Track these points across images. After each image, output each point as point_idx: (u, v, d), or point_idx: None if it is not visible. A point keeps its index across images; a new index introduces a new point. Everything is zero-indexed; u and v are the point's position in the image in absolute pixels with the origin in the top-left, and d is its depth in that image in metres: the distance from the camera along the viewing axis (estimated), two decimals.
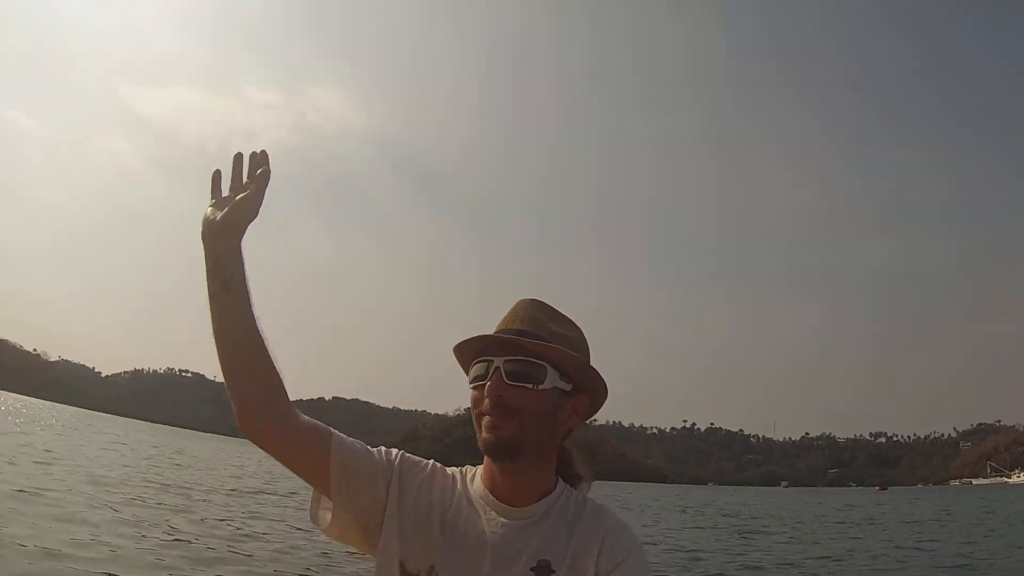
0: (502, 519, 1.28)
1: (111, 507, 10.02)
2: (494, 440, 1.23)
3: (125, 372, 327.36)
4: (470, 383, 1.30)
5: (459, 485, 1.35)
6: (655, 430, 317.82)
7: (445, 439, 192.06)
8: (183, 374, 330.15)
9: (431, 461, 1.37)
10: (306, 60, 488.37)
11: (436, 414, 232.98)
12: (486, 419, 1.25)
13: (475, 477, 1.36)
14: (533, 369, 1.24)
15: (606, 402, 1.35)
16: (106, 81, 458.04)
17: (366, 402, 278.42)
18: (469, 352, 1.32)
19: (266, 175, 1.24)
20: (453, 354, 1.35)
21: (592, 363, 1.32)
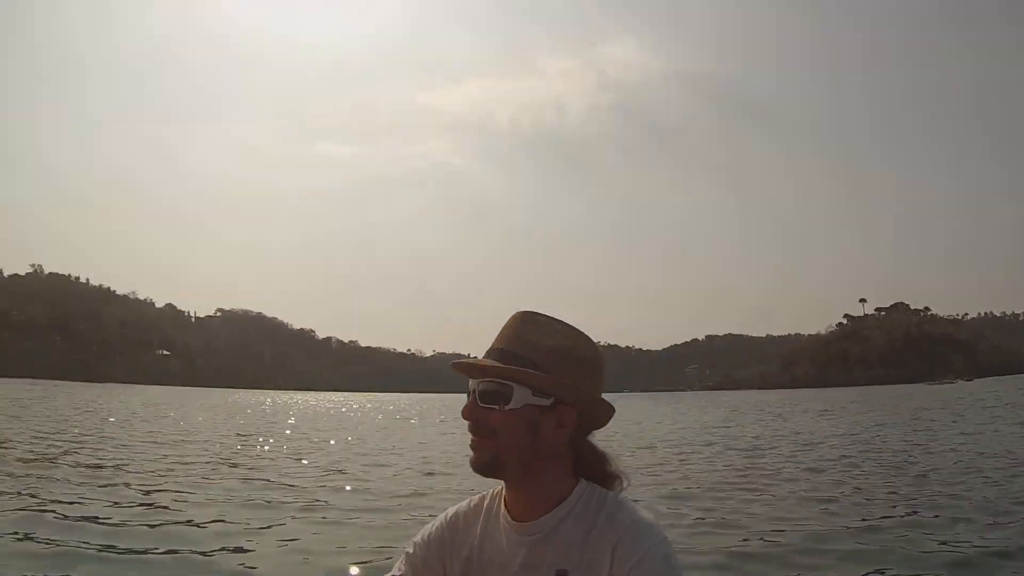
0: (518, 537, 1.29)
1: None
2: (475, 460, 1.28)
3: None
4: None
5: (480, 516, 1.38)
6: None
7: (819, 359, 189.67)
8: None
9: (444, 515, 1.42)
10: (587, 18, 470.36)
11: (809, 335, 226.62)
12: (471, 440, 1.28)
13: (499, 496, 1.38)
14: (501, 389, 1.25)
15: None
16: (399, 95, 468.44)
17: (738, 335, 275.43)
18: (464, 372, 1.34)
19: None
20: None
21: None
